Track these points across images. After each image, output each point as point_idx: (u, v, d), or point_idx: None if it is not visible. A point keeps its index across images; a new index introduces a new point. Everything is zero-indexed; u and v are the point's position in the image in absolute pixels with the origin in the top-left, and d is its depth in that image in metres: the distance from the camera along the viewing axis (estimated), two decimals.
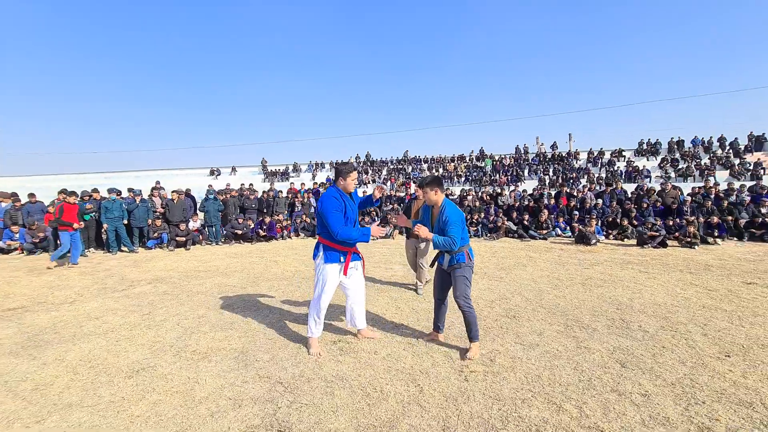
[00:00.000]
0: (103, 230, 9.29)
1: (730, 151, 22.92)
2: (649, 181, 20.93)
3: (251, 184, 14.84)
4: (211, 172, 30.79)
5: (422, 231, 2.95)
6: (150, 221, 9.63)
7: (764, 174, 19.31)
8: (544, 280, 5.62)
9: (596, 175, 22.08)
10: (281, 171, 30.20)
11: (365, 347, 3.32)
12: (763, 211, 9.72)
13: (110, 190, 9.23)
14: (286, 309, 4.48)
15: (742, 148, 23.00)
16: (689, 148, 24.46)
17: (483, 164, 26.95)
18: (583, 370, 2.84)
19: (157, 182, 13.38)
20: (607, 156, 25.38)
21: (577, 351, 3.19)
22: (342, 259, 3.18)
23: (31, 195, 9.68)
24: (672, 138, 25.17)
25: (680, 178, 20.52)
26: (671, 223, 9.56)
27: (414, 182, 5.90)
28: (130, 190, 9.87)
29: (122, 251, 9.19)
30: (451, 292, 3.21)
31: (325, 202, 3.08)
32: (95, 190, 9.87)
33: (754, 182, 13.70)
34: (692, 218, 9.52)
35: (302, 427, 2.23)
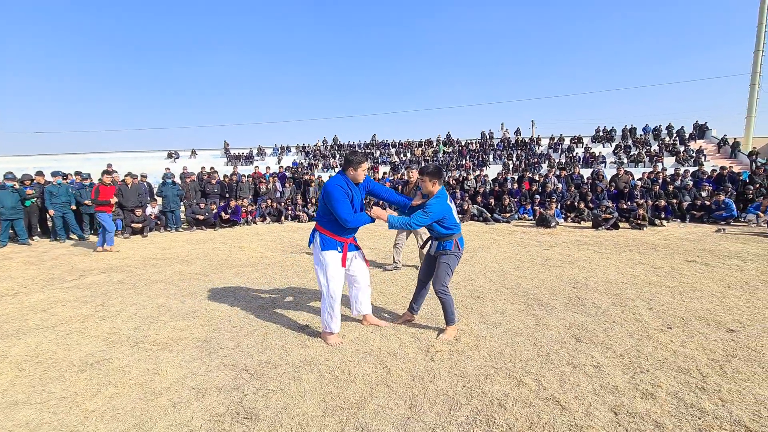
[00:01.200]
0: (48, 216, 8.64)
1: (677, 138, 24.50)
2: (605, 167, 22.07)
3: (212, 168, 14.24)
4: (169, 155, 29.26)
5: (377, 214, 2.99)
6: None
7: (705, 160, 20.86)
8: (507, 262, 5.83)
9: (557, 161, 22.97)
10: (245, 154, 29.17)
11: None
12: (704, 194, 10.53)
13: (54, 173, 8.54)
14: (252, 296, 4.38)
15: (687, 135, 24.65)
16: (641, 135, 25.93)
17: (438, 150, 27.23)
18: (542, 346, 2.99)
19: (109, 165, 12.54)
20: (567, 142, 26.43)
21: (537, 328, 3.35)
22: (339, 249, 3.05)
23: None
24: (626, 126, 26.53)
25: (632, 164, 21.76)
26: (624, 206, 10.16)
27: (409, 168, 5.83)
28: (77, 173, 9.17)
29: (71, 239, 8.60)
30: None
31: (333, 192, 2.92)
32: (39, 173, 9.10)
33: (696, 168, 14.76)
34: (642, 201, 10.16)
35: (269, 413, 2.21)
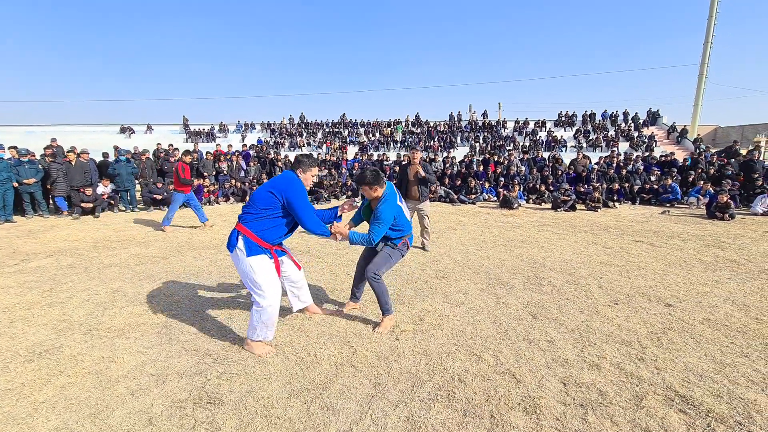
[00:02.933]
0: None
1: (632, 124, 25.78)
2: (565, 150, 22.96)
3: (170, 145, 13.49)
4: (123, 130, 27.38)
5: (338, 230, 2.76)
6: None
7: (656, 146, 22.16)
8: (471, 243, 6.00)
9: (521, 144, 23.60)
10: (206, 131, 27.79)
11: (298, 314, 3.31)
12: (653, 178, 11.23)
13: None
14: (215, 279, 4.27)
15: (641, 122, 25.99)
16: (599, 120, 27.04)
17: (395, 130, 27.17)
18: (501, 323, 3.15)
19: (53, 140, 11.58)
20: (532, 126, 27.14)
21: (497, 306, 3.51)
22: (269, 256, 2.66)
23: None
24: (586, 111, 27.55)
25: (590, 148, 22.75)
26: (581, 188, 10.67)
27: (413, 149, 5.69)
28: (12, 147, 8.38)
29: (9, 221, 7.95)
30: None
31: (296, 187, 2.56)
32: None
33: (647, 153, 15.67)
34: (597, 185, 10.70)
35: (233, 397, 2.20)
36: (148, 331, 3.03)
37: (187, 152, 7.38)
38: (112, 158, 10.27)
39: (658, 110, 26.85)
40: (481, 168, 12.37)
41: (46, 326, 3.11)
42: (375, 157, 15.16)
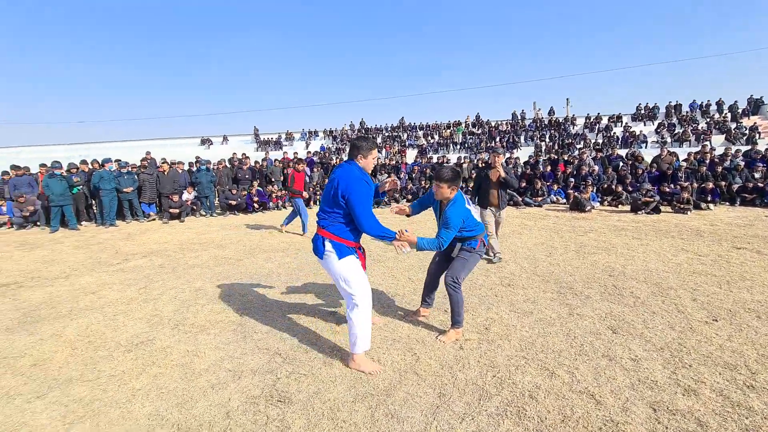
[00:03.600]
0: (93, 202, 9.17)
1: (728, 115, 22.69)
2: (646, 147, 20.86)
3: (244, 154, 14.55)
4: (203, 142, 30.15)
5: (405, 237, 2.56)
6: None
7: (760, 138, 19.27)
8: (539, 248, 5.66)
9: (593, 141, 21.89)
10: (274, 140, 29.61)
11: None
12: (757, 176, 9.75)
13: (106, 160, 9.05)
14: (283, 280, 4.49)
15: (740, 111, 22.77)
16: (687, 112, 24.18)
17: (455, 131, 26.50)
18: (575, 337, 2.91)
19: (148, 152, 13.08)
20: (605, 121, 25.07)
21: (570, 318, 3.25)
22: (356, 255, 2.58)
23: (15, 167, 9.42)
24: (670, 102, 24.79)
25: (677, 143, 20.42)
26: (666, 188, 9.60)
27: (494, 152, 5.34)
28: (116, 160, 9.61)
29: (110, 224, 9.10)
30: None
31: (355, 185, 2.40)
32: (83, 162, 9.63)
33: (749, 147, 13.67)
34: (686, 184, 9.55)
35: (301, 397, 2.28)
36: (225, 328, 3.26)
37: (300, 161, 7.69)
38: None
39: (761, 97, 23.32)
40: (548, 168, 11.67)
41: (141, 320, 3.49)
42: (434, 160, 15.02)
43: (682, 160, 10.91)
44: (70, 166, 9.09)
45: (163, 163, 10.13)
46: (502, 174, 4.89)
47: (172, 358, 2.79)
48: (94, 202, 9.28)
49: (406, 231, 2.58)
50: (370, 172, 2.61)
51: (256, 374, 2.54)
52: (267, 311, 3.59)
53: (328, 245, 2.49)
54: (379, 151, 25.51)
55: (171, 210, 9.42)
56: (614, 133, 23.17)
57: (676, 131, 21.98)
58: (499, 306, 3.55)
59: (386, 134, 28.93)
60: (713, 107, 23.90)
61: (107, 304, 3.92)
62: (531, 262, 4.94)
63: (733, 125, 21.13)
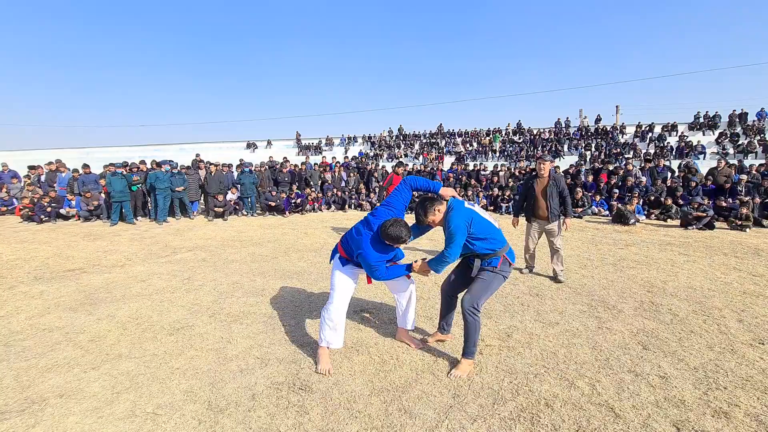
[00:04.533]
0: (149, 200, 9.96)
1: None
2: (704, 158, 19.42)
3: (285, 158, 15.17)
4: (248, 146, 31.66)
5: (419, 269, 2.57)
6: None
7: None
8: (574, 260, 5.48)
9: (643, 151, 20.70)
10: (314, 145, 30.53)
11: (385, 317, 3.44)
12: None
13: (162, 162, 9.85)
14: (313, 279, 4.68)
15: None
16: (753, 121, 22.24)
17: (491, 139, 25.90)
18: (602, 350, 2.83)
19: (198, 155, 13.98)
20: (658, 130, 23.62)
21: (598, 331, 3.16)
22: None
23: (86, 166, 10.43)
24: (734, 110, 22.93)
25: (740, 155, 18.83)
26: (723, 203, 8.93)
27: (541, 159, 5.01)
28: (161, 162, 10.39)
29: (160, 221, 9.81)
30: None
31: (369, 251, 2.48)
32: (142, 162, 10.49)
33: None
34: (746, 198, 8.83)
35: (321, 387, 2.40)
36: (257, 319, 3.47)
37: (400, 164, 7.59)
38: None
39: None
40: (591, 178, 11.20)
41: (183, 307, 3.79)
42: (471, 167, 14.87)
43: (744, 173, 10.08)
44: (131, 165, 9.94)
45: (211, 165, 10.80)
46: (549, 181, 4.55)
47: (207, 343, 3.02)
48: (149, 199, 10.08)
49: (415, 261, 2.62)
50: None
51: (282, 363, 2.70)
52: (296, 306, 3.77)
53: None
54: (416, 158, 25.42)
55: (216, 209, 10.01)
56: (668, 142, 21.79)
57: (740, 142, 20.28)
58: (524, 315, 3.51)
59: (424, 140, 28.95)
60: None
61: (155, 291, 4.28)
62: (563, 273, 4.80)
63: None
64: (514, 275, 4.73)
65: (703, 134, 22.58)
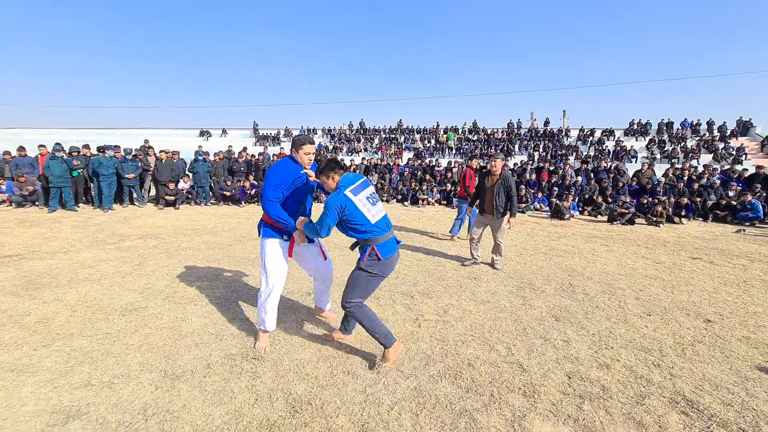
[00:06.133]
0: (92, 186, 9.48)
1: (717, 135, 23.30)
2: (635, 161, 21.39)
3: (245, 148, 14.86)
4: (201, 134, 30.35)
5: (298, 226, 2.65)
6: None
7: (746, 159, 19.84)
8: (511, 250, 6.05)
9: (584, 153, 22.41)
10: (272, 135, 29.90)
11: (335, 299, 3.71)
12: (731, 194, 10.22)
13: (105, 148, 9.38)
14: None
15: (729, 132, 23.40)
16: (678, 130, 24.79)
17: (446, 137, 26.97)
18: (521, 321, 3.29)
19: (146, 141, 13.36)
20: (598, 134, 25.63)
21: (522, 307, 3.63)
22: (286, 237, 2.78)
23: (21, 149, 9.70)
24: (662, 119, 25.40)
25: (665, 160, 20.96)
26: (644, 201, 10.05)
27: (493, 157, 5.23)
28: (116, 147, 9.93)
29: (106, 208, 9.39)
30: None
31: (270, 171, 2.73)
32: (86, 146, 9.92)
33: (728, 167, 14.17)
34: (663, 198, 10.01)
35: (273, 356, 2.63)
36: (211, 301, 3.61)
37: (473, 157, 6.89)
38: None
39: (750, 119, 23.98)
40: (534, 177, 12.10)
41: (135, 291, 3.83)
42: (427, 162, 15.41)
43: (661, 176, 11.37)
44: (71, 149, 9.39)
45: (161, 151, 10.42)
46: (497, 181, 4.85)
47: (162, 322, 3.14)
48: (92, 185, 9.58)
49: (300, 219, 2.66)
50: (306, 165, 2.76)
51: (236, 338, 2.89)
52: (250, 290, 3.94)
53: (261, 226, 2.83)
54: (375, 152, 25.57)
55: (167, 197, 9.73)
56: (606, 146, 23.73)
57: (666, 148, 22.56)
58: (461, 295, 3.93)
59: (383, 135, 29.33)
60: (704, 126, 24.53)
61: (104, 276, 4.25)
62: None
63: (721, 145, 21.73)
64: (456, 263, 5.17)
65: (636, 140, 24.82)
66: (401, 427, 1.97)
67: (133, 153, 9.99)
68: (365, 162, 15.98)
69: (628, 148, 22.61)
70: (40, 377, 2.33)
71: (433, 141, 27.37)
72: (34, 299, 3.56)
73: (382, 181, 13.03)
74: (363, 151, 26.62)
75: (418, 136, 28.63)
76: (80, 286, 3.91)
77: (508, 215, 4.95)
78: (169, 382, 2.31)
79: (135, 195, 9.88)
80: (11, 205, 9.20)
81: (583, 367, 2.56)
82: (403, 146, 26.86)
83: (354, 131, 30.54)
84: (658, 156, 21.82)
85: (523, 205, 10.71)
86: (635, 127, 25.92)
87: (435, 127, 29.19)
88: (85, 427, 1.93)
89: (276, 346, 2.77)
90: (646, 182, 10.89)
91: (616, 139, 24.76)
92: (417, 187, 12.41)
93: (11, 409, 2.04)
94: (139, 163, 9.83)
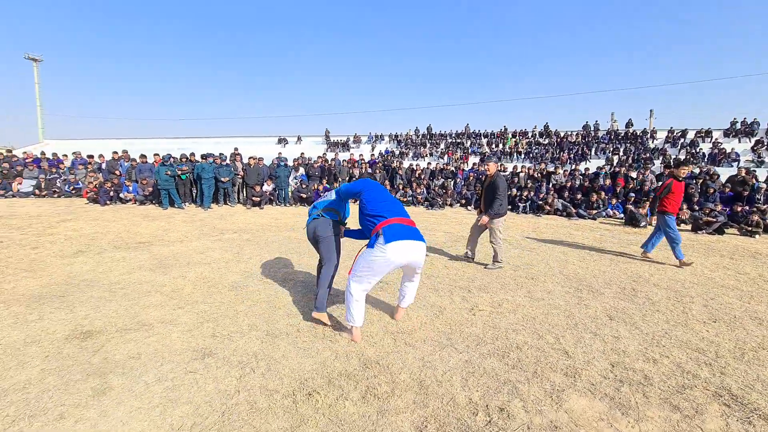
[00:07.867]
0: (195, 188, 11.12)
1: None
2: (737, 165, 19.00)
3: (320, 156, 16.14)
4: (279, 141, 33.06)
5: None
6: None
7: None
8: (575, 254, 6.05)
9: (673, 157, 20.43)
10: (342, 141, 31.55)
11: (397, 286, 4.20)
12: None
13: (206, 155, 10.96)
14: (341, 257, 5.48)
15: None
16: None
17: (507, 141, 26.06)
18: (573, 317, 3.48)
19: (236, 148, 15.16)
20: (691, 135, 23.15)
21: (576, 306, 3.79)
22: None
23: (143, 156, 11.72)
24: None
25: None
26: (738, 209, 9.13)
27: (488, 161, 5.47)
28: (206, 155, 11.53)
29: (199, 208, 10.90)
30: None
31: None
32: (192, 154, 11.68)
33: None
34: (764, 207, 9.00)
35: (346, 329, 3.18)
36: (296, 284, 4.31)
37: (679, 162, 6.23)
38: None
39: None
40: (608, 182, 11.52)
41: (237, 273, 4.68)
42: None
43: (763, 181, 10.16)
44: (181, 156, 11.13)
45: (250, 158, 11.85)
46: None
47: (260, 297, 3.88)
48: (195, 188, 11.24)
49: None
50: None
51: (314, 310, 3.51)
52: None
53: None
54: (440, 157, 25.83)
55: (253, 198, 11.05)
56: (700, 149, 21.37)
57: None
58: (516, 292, 4.18)
59: (450, 140, 29.40)
60: None
61: (213, 261, 5.21)
62: (561, 264, 5.40)
63: None
64: (512, 266, 5.37)
65: (739, 141, 21.99)
66: (452, 386, 2.38)
67: (227, 159, 11.51)
68: (430, 167, 16.35)
69: (728, 151, 20.16)
70: (181, 328, 3.13)
71: (501, 145, 26.85)
72: (166, 275, 4.55)
73: (446, 188, 13.29)
74: (429, 156, 26.98)
75: (485, 141, 28.26)
76: (197, 267, 4.88)
77: (505, 216, 5.27)
78: (271, 339, 2.97)
79: (227, 196, 11.37)
80: (136, 203, 11.16)
81: (628, 359, 2.73)
82: (470, 151, 26.73)
83: (420, 136, 31.04)
84: (767, 159, 19.14)
85: (594, 211, 10.30)
86: (738, 126, 22.93)
87: (503, 131, 28.59)
88: (217, 362, 2.63)
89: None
90: (742, 189, 9.83)
91: (713, 140, 22.17)
92: (479, 190, 12.46)
93: (168, 347, 2.83)
94: (232, 168, 11.30)
